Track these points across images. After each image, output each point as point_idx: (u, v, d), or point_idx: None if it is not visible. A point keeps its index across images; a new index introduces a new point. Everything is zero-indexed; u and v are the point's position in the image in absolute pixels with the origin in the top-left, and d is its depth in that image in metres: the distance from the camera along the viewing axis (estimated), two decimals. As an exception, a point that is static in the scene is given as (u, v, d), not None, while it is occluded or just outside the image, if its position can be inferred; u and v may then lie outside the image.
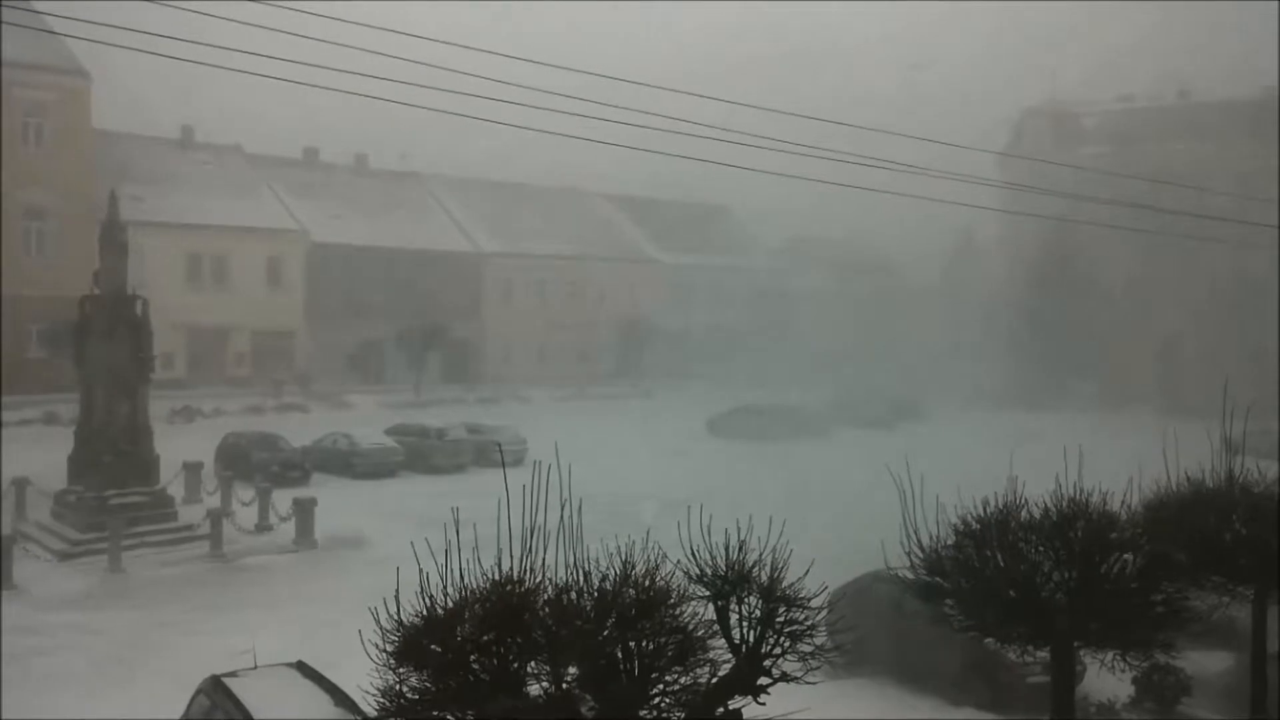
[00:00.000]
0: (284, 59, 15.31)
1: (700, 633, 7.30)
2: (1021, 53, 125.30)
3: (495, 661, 6.94)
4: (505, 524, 6.98)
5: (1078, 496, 9.89)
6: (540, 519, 7.05)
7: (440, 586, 7.10)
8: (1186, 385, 57.05)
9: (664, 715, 7.18)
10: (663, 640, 7.11)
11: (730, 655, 7.48)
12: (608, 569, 7.25)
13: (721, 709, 7.35)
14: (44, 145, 48.21)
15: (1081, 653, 10.73)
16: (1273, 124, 61.28)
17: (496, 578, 7.10)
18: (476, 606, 6.99)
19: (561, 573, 7.21)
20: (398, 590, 7.15)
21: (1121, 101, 74.66)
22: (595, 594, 7.13)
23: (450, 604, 7.06)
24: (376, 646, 7.17)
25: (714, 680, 7.34)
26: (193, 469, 29.77)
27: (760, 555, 7.55)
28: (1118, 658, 10.08)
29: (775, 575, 7.49)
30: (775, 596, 7.47)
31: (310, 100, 24.82)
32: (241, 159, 60.78)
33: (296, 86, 16.98)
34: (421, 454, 36.26)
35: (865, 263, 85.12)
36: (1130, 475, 10.89)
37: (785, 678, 7.46)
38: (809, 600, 7.58)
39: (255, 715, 10.89)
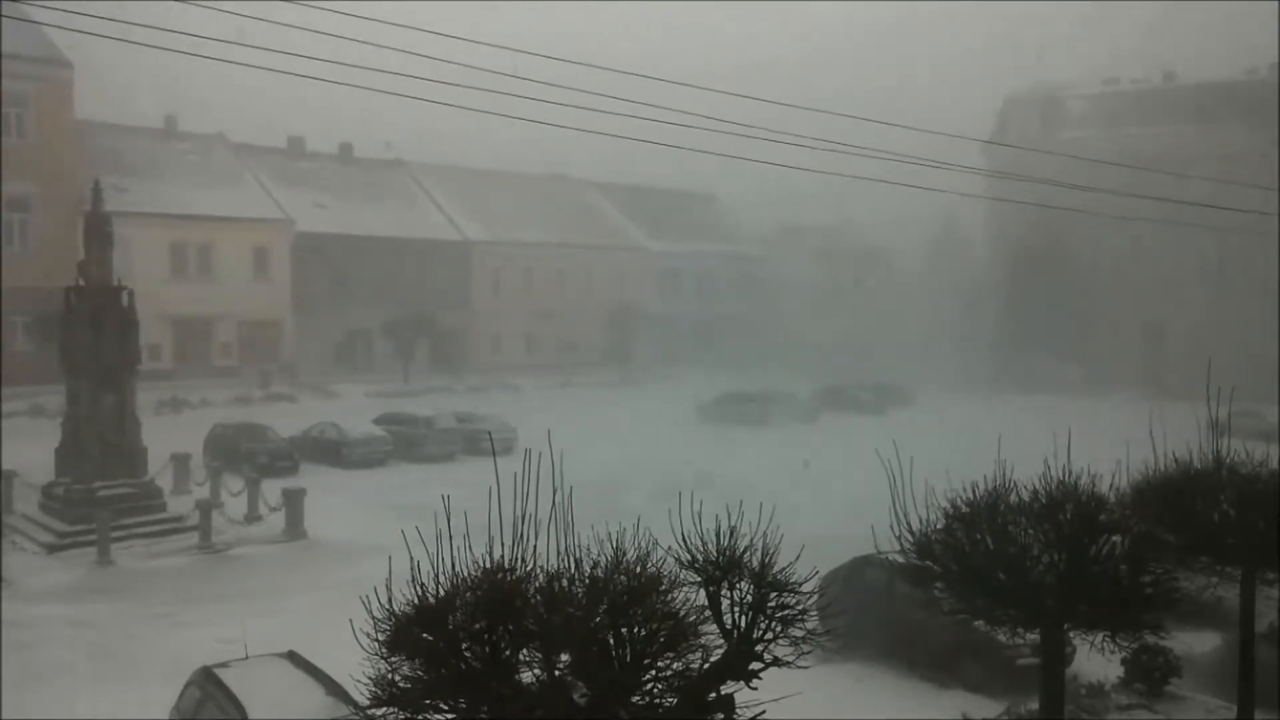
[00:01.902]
0: (267, 48, 15.23)
1: (692, 619, 7.29)
2: (1007, 37, 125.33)
3: (487, 649, 6.93)
4: (496, 512, 6.98)
5: (1066, 479, 9.92)
6: (531, 507, 7.04)
7: (431, 575, 7.09)
8: (1173, 368, 57.36)
9: (656, 701, 7.18)
10: (654, 626, 7.11)
11: (722, 641, 7.48)
12: (599, 556, 7.25)
13: (714, 694, 7.36)
14: (26, 136, 47.85)
15: (1071, 634, 10.78)
16: (1257, 106, 61.51)
17: (488, 566, 7.10)
18: (468, 595, 6.98)
19: (553, 560, 7.21)
20: (389, 579, 7.14)
21: (1107, 84, 74.74)
22: (587, 581, 7.12)
23: (442, 592, 7.05)
24: (368, 635, 7.16)
25: (706, 666, 7.34)
26: (181, 460, 29.68)
27: (751, 540, 7.55)
28: (1107, 639, 10.12)
29: (766, 560, 7.50)
30: (766, 582, 7.47)
31: (294, 89, 24.68)
32: (226, 148, 60.45)
33: (280, 75, 16.87)
34: (411, 443, 36.22)
35: (853, 249, 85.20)
36: (1118, 457, 10.94)
37: (777, 662, 7.47)
38: (800, 585, 7.59)
39: (247, 706, 10.88)
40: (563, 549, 7.19)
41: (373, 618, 7.15)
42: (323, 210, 59.87)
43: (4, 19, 33.59)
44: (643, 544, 7.38)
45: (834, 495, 27.89)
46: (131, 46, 15.44)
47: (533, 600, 6.97)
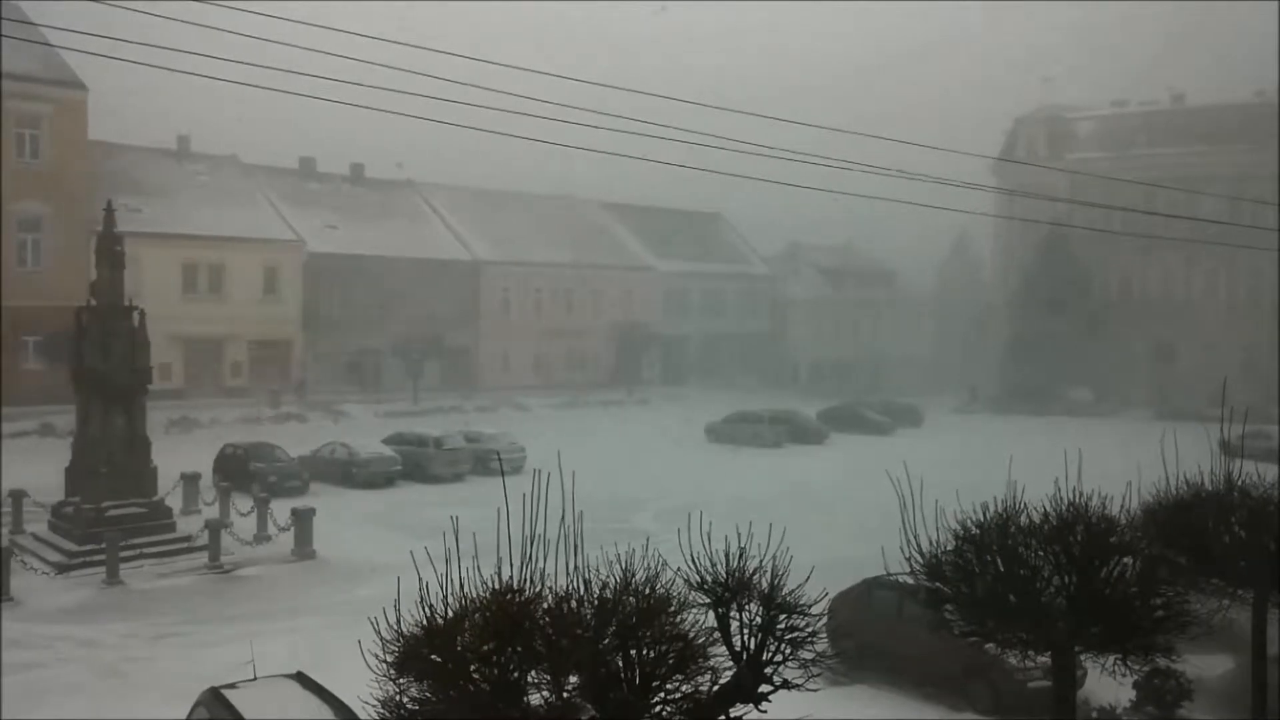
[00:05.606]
0: (280, 69, 15.31)
1: (701, 640, 7.27)
2: (1017, 60, 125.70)
3: (496, 671, 6.91)
4: (505, 533, 6.97)
5: (1077, 500, 9.89)
6: (540, 527, 7.04)
7: (440, 596, 7.09)
8: (1182, 388, 57.18)
9: (665, 723, 7.16)
10: (663, 648, 7.09)
11: (731, 663, 7.46)
12: (608, 577, 7.23)
13: (723, 717, 7.33)
14: (40, 157, 48.16)
15: (1082, 657, 10.71)
16: (1263, 127, 61.53)
17: (496, 587, 7.09)
18: (476, 616, 6.97)
19: (561, 581, 7.19)
20: (398, 600, 7.14)
21: (1115, 106, 74.87)
22: (595, 602, 7.11)
23: (450, 613, 7.04)
24: (376, 656, 7.15)
25: (715, 688, 7.32)
26: (190, 480, 29.72)
27: (760, 562, 7.54)
28: (1118, 662, 10.06)
29: (776, 582, 7.48)
30: (776, 603, 7.45)
31: (307, 110, 24.85)
32: (238, 169, 60.75)
33: (293, 97, 16.97)
34: (420, 463, 36.22)
35: (862, 269, 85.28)
36: (1129, 479, 10.89)
37: (786, 685, 7.44)
38: (810, 607, 7.56)
39: (255, 727, 10.84)
40: (571, 570, 7.18)
41: (381, 639, 7.15)
42: (333, 230, 60.10)
43: (19, 40, 33.87)
44: (652, 565, 7.37)
45: (844, 516, 27.83)
46: (145, 68, 15.56)
47: (541, 622, 6.95)
